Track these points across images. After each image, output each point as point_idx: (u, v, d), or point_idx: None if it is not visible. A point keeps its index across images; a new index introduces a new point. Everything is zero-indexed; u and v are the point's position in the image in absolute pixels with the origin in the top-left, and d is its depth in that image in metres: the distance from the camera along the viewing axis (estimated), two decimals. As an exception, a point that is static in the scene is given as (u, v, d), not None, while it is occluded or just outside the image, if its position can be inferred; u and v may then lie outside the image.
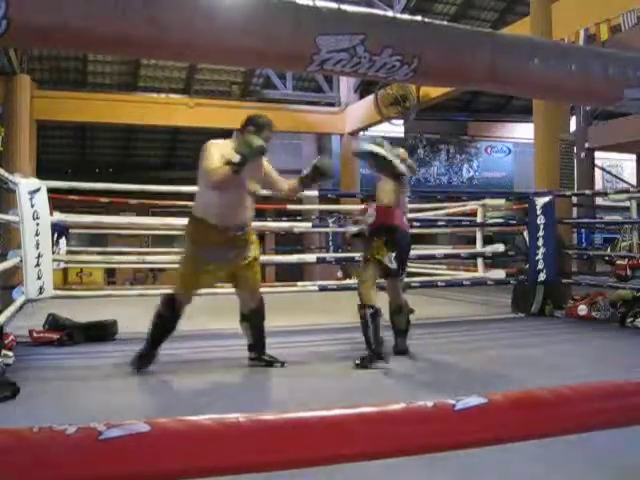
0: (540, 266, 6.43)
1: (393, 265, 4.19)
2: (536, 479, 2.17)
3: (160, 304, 3.80)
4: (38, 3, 0.80)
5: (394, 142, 4.48)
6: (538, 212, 6.49)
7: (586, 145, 14.89)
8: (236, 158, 3.34)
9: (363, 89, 13.20)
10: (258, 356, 3.99)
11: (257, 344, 4.00)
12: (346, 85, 13.33)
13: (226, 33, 0.86)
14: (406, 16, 0.98)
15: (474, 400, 1.09)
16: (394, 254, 4.19)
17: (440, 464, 2.12)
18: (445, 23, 1.02)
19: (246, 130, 3.64)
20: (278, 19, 0.88)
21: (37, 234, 4.85)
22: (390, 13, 0.96)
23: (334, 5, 0.91)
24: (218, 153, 3.48)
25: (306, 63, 0.91)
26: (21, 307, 4.92)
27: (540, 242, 6.45)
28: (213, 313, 6.80)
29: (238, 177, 3.45)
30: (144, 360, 3.79)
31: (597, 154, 16.14)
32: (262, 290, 7.73)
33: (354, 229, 5.09)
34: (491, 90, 1.20)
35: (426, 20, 0.98)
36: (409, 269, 6.29)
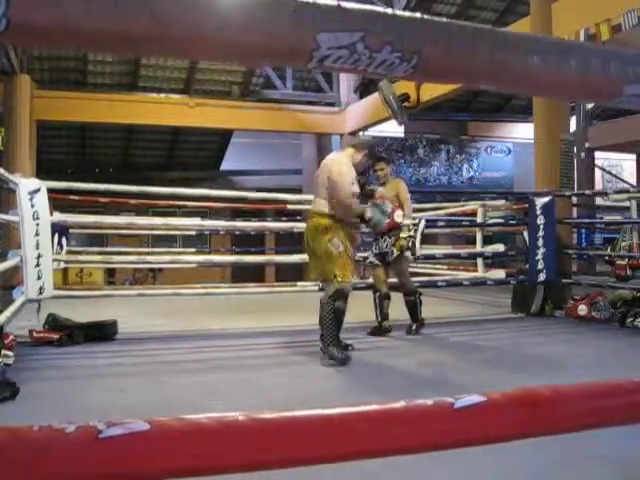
0: (540, 266, 6.43)
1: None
2: (535, 477, 2.17)
3: (333, 300, 4.14)
4: (38, 1, 0.79)
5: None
6: (538, 212, 6.49)
7: (586, 145, 14.89)
8: (366, 215, 4.39)
9: (363, 89, 13.18)
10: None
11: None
12: (346, 85, 13.31)
13: (226, 30, 0.86)
14: (406, 13, 0.98)
15: (474, 398, 1.09)
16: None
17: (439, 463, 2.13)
18: (445, 20, 1.02)
19: (363, 153, 4.44)
20: (278, 15, 0.88)
21: (37, 234, 4.84)
22: (390, 10, 0.96)
23: (334, 2, 0.91)
24: (351, 177, 4.21)
25: (306, 60, 0.91)
26: (21, 307, 4.92)
27: (540, 242, 6.45)
28: (213, 313, 6.81)
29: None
30: (340, 349, 4.13)
31: (597, 154, 16.15)
32: (262, 290, 7.71)
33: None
34: (491, 87, 1.20)
35: (426, 17, 0.98)
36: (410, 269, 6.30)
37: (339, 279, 4.11)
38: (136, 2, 0.80)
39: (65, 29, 0.80)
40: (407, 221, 5.33)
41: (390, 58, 0.92)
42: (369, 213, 4.43)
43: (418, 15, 0.97)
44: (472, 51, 1.01)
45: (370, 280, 6.32)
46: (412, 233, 5.32)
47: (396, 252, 5.30)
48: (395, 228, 5.19)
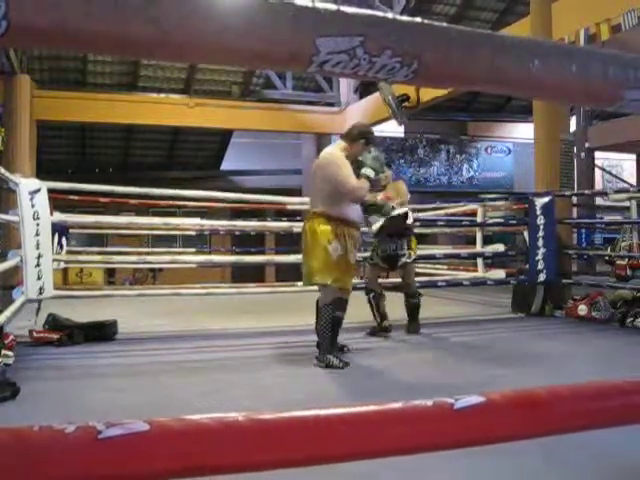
0: (540, 266, 6.43)
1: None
2: (535, 478, 2.17)
3: (333, 310, 3.99)
4: (38, 3, 0.80)
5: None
6: (538, 212, 6.49)
7: (586, 145, 14.90)
8: (372, 173, 4.03)
9: (363, 89, 13.19)
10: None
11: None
12: (346, 85, 13.32)
13: (226, 34, 0.86)
14: (406, 17, 0.98)
15: (473, 399, 1.09)
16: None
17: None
18: (445, 24, 1.02)
19: (359, 143, 4.14)
20: (278, 20, 0.88)
21: (37, 234, 4.85)
22: (390, 14, 0.96)
23: (334, 6, 0.91)
24: (349, 170, 3.98)
25: (305, 64, 0.91)
26: (21, 307, 4.92)
27: (540, 242, 6.45)
28: (213, 313, 6.81)
29: None
30: (335, 355, 4.01)
31: (597, 154, 16.15)
32: (262, 290, 7.69)
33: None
34: (491, 91, 1.20)
35: (426, 21, 0.98)
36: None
37: (338, 285, 3.94)
38: (136, 6, 0.80)
39: (65, 32, 0.80)
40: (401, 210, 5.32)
41: (390, 63, 0.92)
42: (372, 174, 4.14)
43: (418, 19, 0.97)
44: (472, 55, 1.01)
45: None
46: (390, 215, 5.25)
47: (413, 255, 5.33)
48: (407, 231, 5.27)
